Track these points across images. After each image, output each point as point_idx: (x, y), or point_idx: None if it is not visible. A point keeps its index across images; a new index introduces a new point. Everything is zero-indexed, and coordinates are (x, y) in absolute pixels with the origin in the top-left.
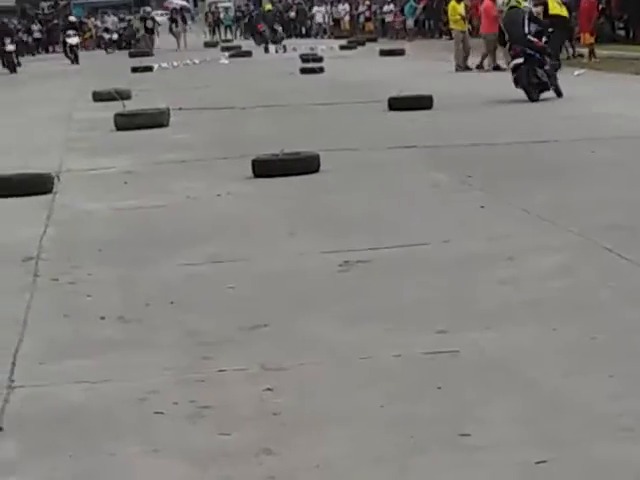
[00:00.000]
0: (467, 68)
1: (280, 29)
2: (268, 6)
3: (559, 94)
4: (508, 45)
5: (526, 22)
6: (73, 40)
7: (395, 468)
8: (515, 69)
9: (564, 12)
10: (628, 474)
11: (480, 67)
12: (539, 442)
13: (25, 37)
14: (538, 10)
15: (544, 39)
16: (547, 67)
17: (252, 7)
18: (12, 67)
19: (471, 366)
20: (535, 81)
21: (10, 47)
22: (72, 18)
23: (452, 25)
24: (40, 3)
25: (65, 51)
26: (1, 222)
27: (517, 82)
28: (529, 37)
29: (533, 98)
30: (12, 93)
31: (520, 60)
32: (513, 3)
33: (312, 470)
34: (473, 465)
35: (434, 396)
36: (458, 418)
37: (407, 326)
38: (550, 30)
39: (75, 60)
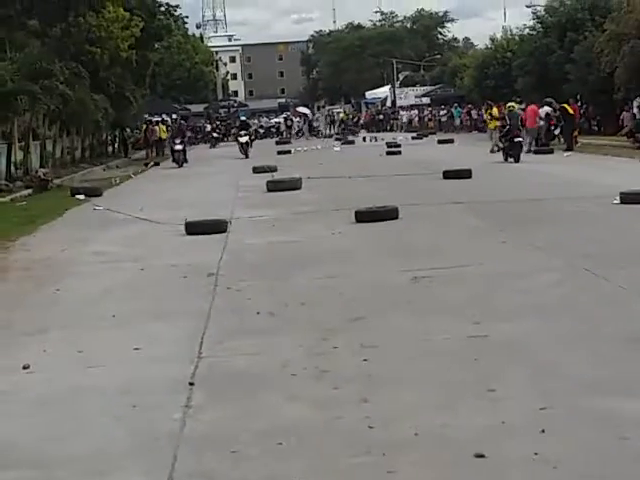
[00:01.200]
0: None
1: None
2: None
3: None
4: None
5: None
6: (244, 139)
7: (447, 411)
8: (512, 145)
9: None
10: (605, 419)
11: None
12: (542, 396)
13: (209, 131)
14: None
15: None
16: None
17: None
18: (179, 162)
19: (497, 346)
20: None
21: (178, 147)
22: (243, 118)
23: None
24: (219, 109)
25: (239, 147)
26: (195, 250)
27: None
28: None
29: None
30: (204, 167)
31: (519, 139)
32: (510, 108)
33: (393, 411)
34: (497, 410)
35: (471, 365)
36: (488, 379)
37: (454, 319)
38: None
39: (246, 155)
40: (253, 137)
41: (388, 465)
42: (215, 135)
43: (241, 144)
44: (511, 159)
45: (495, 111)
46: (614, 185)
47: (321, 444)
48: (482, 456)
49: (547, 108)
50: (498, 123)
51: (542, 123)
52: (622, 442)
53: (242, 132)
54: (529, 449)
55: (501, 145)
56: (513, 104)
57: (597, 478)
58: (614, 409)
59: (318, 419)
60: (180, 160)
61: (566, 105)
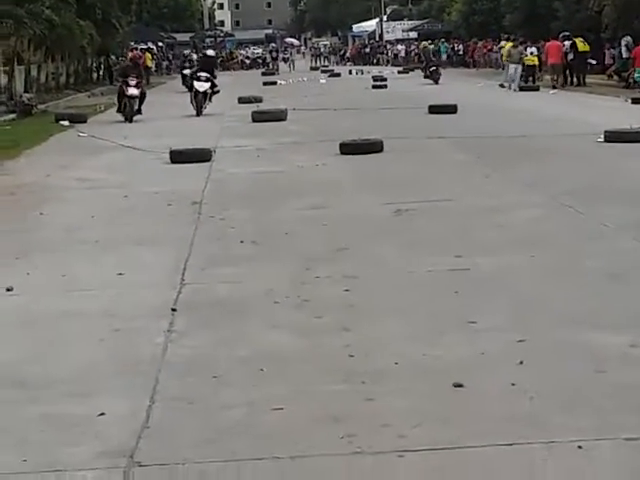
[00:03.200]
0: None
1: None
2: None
3: None
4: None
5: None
6: (201, 85)
7: (427, 342)
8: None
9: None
10: (583, 352)
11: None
12: (521, 329)
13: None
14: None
15: None
16: None
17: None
18: (128, 116)
19: (477, 279)
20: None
21: (133, 91)
22: (210, 53)
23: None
24: (205, 39)
25: (192, 97)
26: (178, 179)
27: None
28: None
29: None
30: (186, 96)
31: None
32: (424, 46)
33: (374, 341)
34: (477, 341)
35: (453, 297)
36: (468, 311)
37: (436, 252)
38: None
39: (198, 111)
40: (217, 88)
41: (367, 393)
42: (186, 72)
43: (195, 93)
44: (432, 81)
45: (510, 45)
46: (599, 123)
47: (301, 371)
48: (460, 386)
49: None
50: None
51: (571, 56)
52: (599, 375)
53: (201, 74)
54: (507, 380)
55: None
56: (425, 43)
57: (573, 408)
58: (592, 342)
59: (299, 347)
60: (130, 113)
61: (577, 40)
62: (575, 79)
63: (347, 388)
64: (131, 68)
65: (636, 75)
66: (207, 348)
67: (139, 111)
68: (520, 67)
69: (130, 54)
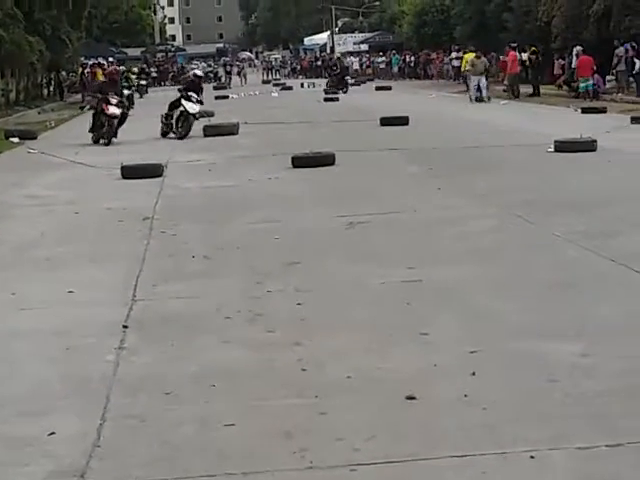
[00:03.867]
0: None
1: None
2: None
3: None
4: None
5: None
6: (192, 108)
7: (379, 354)
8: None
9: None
10: (535, 362)
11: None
12: (473, 340)
13: (146, 76)
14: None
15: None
16: None
17: (291, 58)
18: (107, 137)
19: (430, 290)
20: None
21: (114, 110)
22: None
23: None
24: (156, 53)
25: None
26: (130, 195)
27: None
28: None
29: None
30: (137, 110)
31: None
32: (338, 57)
33: (326, 354)
34: (429, 353)
35: (405, 309)
36: (420, 323)
37: (389, 264)
38: None
39: (107, 139)
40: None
41: (320, 407)
42: (142, 82)
43: (182, 113)
44: (340, 91)
45: (469, 56)
46: (549, 133)
47: (253, 386)
48: (413, 398)
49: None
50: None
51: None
52: (551, 385)
53: (192, 95)
54: (459, 391)
55: None
56: (339, 55)
57: (525, 419)
58: (544, 353)
59: (251, 362)
60: (108, 134)
61: (536, 49)
62: (532, 89)
63: (300, 402)
64: (109, 85)
65: (581, 85)
66: (158, 365)
67: (115, 134)
68: (484, 78)
69: (98, 70)
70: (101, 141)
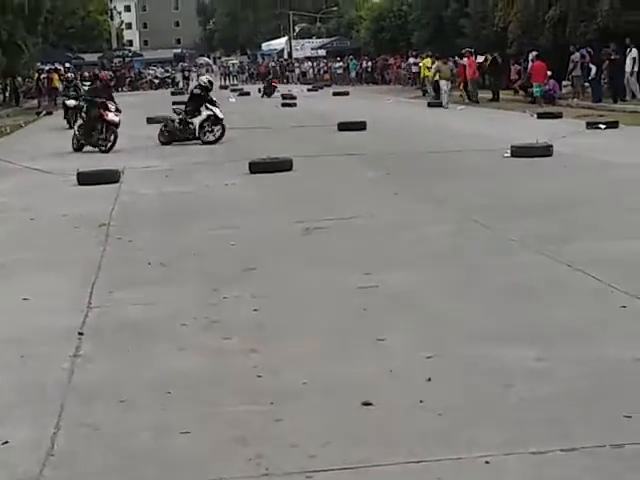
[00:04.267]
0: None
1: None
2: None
3: None
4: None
5: None
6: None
7: (335, 360)
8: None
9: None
10: (490, 367)
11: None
12: (429, 345)
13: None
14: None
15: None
16: None
17: (249, 63)
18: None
19: (386, 296)
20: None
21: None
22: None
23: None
24: (113, 59)
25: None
26: (86, 201)
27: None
28: None
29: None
30: None
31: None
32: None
33: (282, 361)
34: (385, 358)
35: (361, 314)
36: (377, 329)
37: (345, 269)
38: None
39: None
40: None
41: (276, 413)
42: (70, 103)
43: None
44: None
45: (428, 62)
46: (506, 139)
47: (209, 393)
48: (369, 404)
49: (480, 57)
50: (429, 73)
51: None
52: (506, 390)
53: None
54: (415, 397)
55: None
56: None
57: (480, 424)
58: (500, 357)
59: (207, 368)
60: (109, 142)
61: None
62: (491, 94)
63: (256, 409)
64: (101, 90)
65: (534, 90)
66: (114, 372)
67: (114, 142)
68: (449, 83)
69: (54, 76)
70: (101, 147)
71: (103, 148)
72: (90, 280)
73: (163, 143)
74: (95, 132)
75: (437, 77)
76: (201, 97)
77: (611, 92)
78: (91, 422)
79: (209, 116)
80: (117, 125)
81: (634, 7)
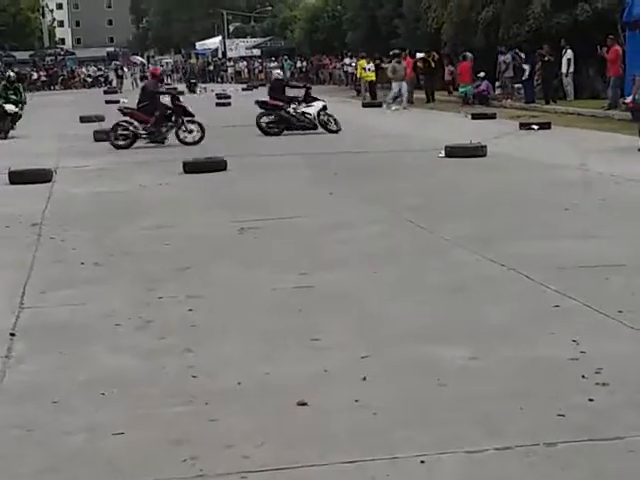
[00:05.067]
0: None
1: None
2: (192, 61)
3: None
4: None
5: None
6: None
7: (270, 361)
8: None
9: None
10: (425, 366)
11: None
12: (364, 345)
13: (35, 79)
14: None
15: None
16: None
17: (183, 62)
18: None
19: (321, 296)
20: None
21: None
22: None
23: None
24: (45, 57)
25: None
26: (18, 200)
27: None
28: None
29: None
30: (26, 115)
31: None
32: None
33: (217, 361)
34: (320, 358)
35: (296, 315)
36: (312, 329)
37: (280, 270)
38: None
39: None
40: (79, 86)
41: (210, 414)
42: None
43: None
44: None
45: (363, 63)
46: (440, 139)
47: (143, 394)
48: (304, 404)
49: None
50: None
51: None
52: (440, 389)
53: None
54: (350, 396)
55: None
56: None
57: (415, 423)
58: (434, 357)
59: (141, 369)
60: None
61: (430, 58)
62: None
63: (190, 410)
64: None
65: (460, 90)
66: (46, 373)
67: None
68: (405, 84)
69: None
70: None
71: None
72: (22, 280)
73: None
74: None
75: (391, 77)
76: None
77: (543, 93)
78: (23, 423)
79: (324, 106)
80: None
81: (565, 9)
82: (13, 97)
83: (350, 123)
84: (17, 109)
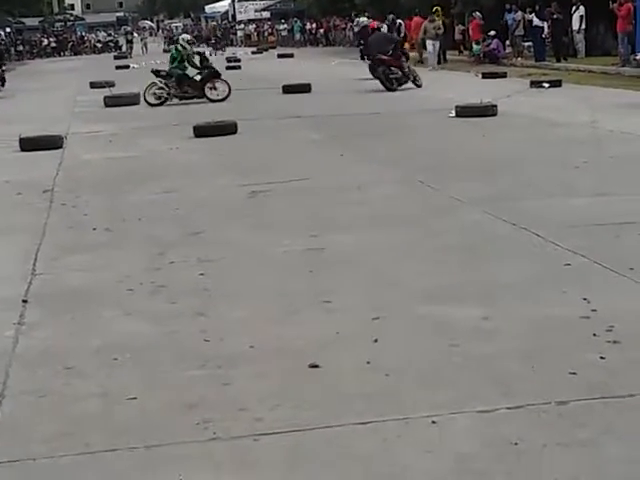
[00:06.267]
0: None
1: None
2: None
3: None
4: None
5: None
6: None
7: (282, 323)
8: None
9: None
10: (437, 327)
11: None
12: (376, 306)
13: (45, 45)
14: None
15: None
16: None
17: (193, 25)
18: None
19: (332, 258)
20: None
21: None
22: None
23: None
24: (55, 23)
25: None
26: (29, 167)
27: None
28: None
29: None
30: (37, 81)
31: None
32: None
33: (229, 325)
34: (332, 321)
35: (307, 277)
36: (323, 291)
37: (291, 232)
38: None
39: None
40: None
41: (223, 378)
42: None
43: None
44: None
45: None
46: (450, 99)
47: (156, 359)
48: (316, 366)
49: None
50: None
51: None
52: (452, 349)
53: None
54: (362, 358)
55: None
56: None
57: (427, 384)
58: (446, 317)
59: (154, 334)
60: None
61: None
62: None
63: (203, 374)
64: None
65: (474, 48)
66: (59, 339)
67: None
68: (438, 43)
69: None
70: None
71: None
72: (34, 247)
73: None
74: None
75: (422, 36)
76: None
77: (554, 51)
78: (36, 389)
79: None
80: None
81: None
82: None
83: (353, 84)
84: None
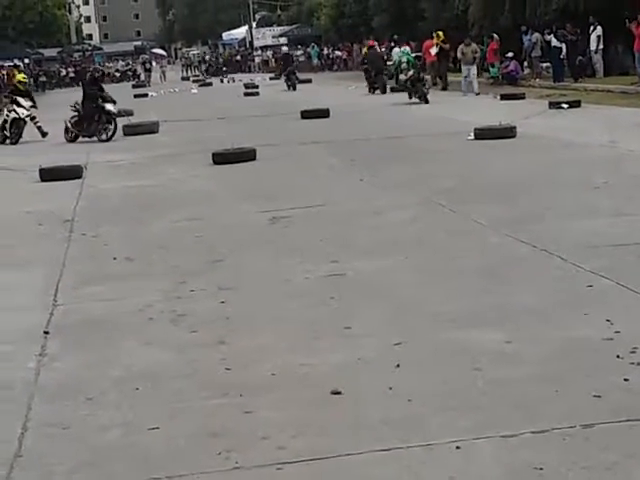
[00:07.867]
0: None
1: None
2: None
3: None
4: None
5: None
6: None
7: (304, 351)
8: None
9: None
10: (459, 352)
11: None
12: (397, 331)
13: (64, 76)
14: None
15: None
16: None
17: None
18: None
19: (353, 283)
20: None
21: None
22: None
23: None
24: (73, 53)
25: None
26: (50, 197)
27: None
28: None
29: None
30: (55, 112)
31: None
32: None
33: (250, 353)
34: (353, 347)
35: (329, 303)
36: (344, 317)
37: (312, 258)
38: None
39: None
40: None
41: (245, 406)
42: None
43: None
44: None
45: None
46: (469, 121)
47: (177, 388)
48: (338, 393)
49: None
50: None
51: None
52: (475, 373)
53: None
54: (384, 384)
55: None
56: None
57: (450, 409)
58: (468, 341)
59: (175, 363)
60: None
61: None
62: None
63: (224, 402)
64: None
65: (492, 71)
66: (81, 370)
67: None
68: (474, 68)
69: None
70: (103, 136)
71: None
72: (55, 277)
73: None
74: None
75: (460, 58)
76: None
77: (571, 71)
78: (59, 421)
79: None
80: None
81: None
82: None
83: (371, 108)
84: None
